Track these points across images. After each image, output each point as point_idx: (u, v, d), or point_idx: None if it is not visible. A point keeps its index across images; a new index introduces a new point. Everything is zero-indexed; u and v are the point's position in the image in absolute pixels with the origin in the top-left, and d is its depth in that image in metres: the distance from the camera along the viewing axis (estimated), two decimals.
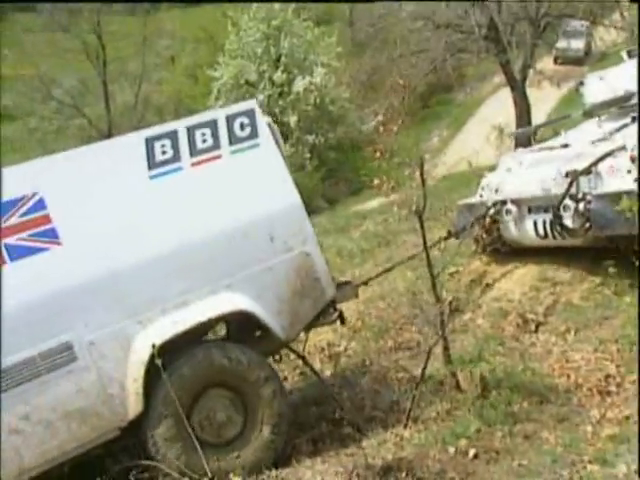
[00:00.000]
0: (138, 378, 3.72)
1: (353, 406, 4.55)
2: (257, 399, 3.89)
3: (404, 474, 3.40)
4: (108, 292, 3.74)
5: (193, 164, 4.03)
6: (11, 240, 3.68)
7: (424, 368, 4.18)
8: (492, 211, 5.95)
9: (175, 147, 4.03)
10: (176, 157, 4.02)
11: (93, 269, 3.73)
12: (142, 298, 3.78)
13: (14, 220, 3.71)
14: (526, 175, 5.96)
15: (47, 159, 4.09)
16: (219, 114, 4.19)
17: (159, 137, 4.03)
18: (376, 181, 4.43)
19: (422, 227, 4.44)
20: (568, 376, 4.64)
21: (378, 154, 4.46)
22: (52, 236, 3.74)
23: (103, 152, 4.13)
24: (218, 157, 4.08)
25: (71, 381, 3.62)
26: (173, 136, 4.05)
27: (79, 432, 3.62)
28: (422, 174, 4.34)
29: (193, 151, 4.04)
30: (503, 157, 6.92)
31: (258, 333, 4.18)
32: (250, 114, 4.22)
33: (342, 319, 4.53)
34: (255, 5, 19.84)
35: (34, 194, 3.75)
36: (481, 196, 6.16)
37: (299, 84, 19.54)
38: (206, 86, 21.26)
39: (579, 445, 3.67)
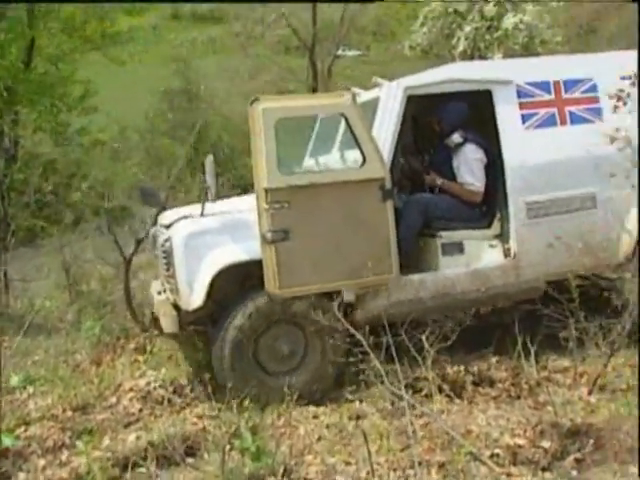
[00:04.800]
0: (630, 232, 4.92)
1: None
2: None
3: (592, 441, 3.22)
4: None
5: None
6: (572, 108, 5.03)
7: (621, 339, 3.92)
8: None
9: None
10: None
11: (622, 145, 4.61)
12: None
13: (577, 95, 5.07)
14: None
15: (600, 55, 5.40)
16: None
17: None
18: None
19: None
20: None
21: None
22: (598, 114, 5.07)
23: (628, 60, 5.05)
24: None
25: (589, 222, 4.90)
26: None
27: (584, 259, 4.67)
28: None
29: None
30: None
31: None
32: None
33: None
34: None
35: (590, 79, 5.07)
36: None
37: (509, 21, 18.53)
38: (413, 10, 20.69)
39: None
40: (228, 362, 4.48)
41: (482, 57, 18.19)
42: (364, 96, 5.33)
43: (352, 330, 4.11)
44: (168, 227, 4.86)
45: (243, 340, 4.47)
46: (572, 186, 4.95)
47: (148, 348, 5.46)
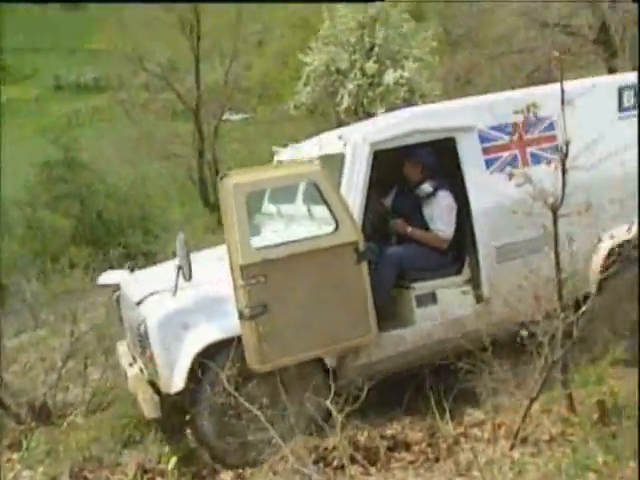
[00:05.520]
0: (597, 266, 4.99)
1: None
2: None
3: None
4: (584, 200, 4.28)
5: None
6: (533, 149, 5.01)
7: (543, 383, 3.71)
8: None
9: (636, 97, 5.34)
10: (635, 105, 5.35)
11: (576, 178, 4.17)
12: (607, 212, 4.64)
13: (536, 134, 5.00)
14: None
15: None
16: None
17: (627, 88, 5.36)
18: None
19: None
20: None
21: None
22: (557, 151, 4.46)
23: (592, 93, 5.00)
24: None
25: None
26: (635, 88, 5.35)
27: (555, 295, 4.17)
28: None
29: None
30: None
31: None
32: None
33: None
34: None
35: (549, 117, 4.85)
36: None
37: (390, 76, 19.05)
38: (296, 71, 20.97)
39: None
40: (209, 424, 4.34)
41: (366, 112, 18.56)
42: (324, 149, 5.17)
43: (248, 405, 3.76)
44: (138, 303, 4.66)
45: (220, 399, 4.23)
46: (538, 226, 4.75)
47: (25, 443, 4.83)
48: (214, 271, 4.61)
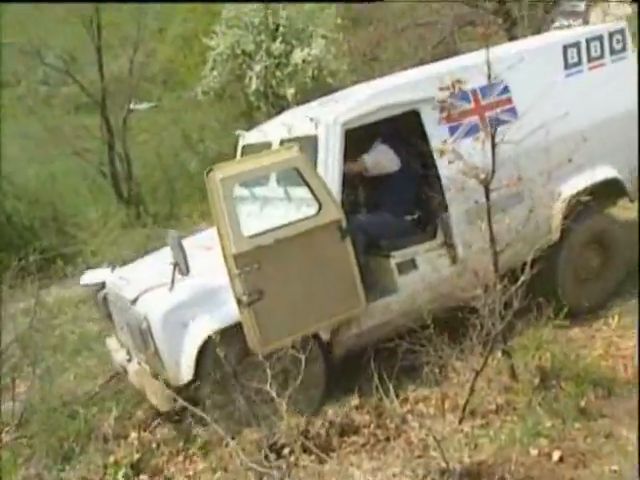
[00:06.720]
0: (559, 214, 5.40)
1: None
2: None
3: None
4: (545, 156, 5.02)
5: (590, 68, 5.77)
6: (491, 113, 5.09)
7: (487, 357, 3.76)
8: None
9: (579, 54, 5.71)
10: (580, 62, 5.73)
11: (537, 138, 4.89)
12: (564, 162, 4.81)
13: (493, 99, 5.16)
14: None
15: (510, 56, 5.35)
16: (604, 30, 5.84)
17: (570, 45, 5.70)
18: None
19: None
20: (625, 367, 4.28)
21: None
22: (513, 113, 5.31)
23: (539, 54, 5.67)
24: (603, 64, 5.81)
25: (520, 215, 4.77)
26: (578, 46, 5.71)
27: (524, 248, 4.55)
28: None
29: (589, 58, 5.75)
30: None
31: None
32: (622, 33, 5.86)
33: None
34: None
35: (502, 81, 5.05)
36: None
37: (297, 55, 18.91)
38: (201, 56, 20.51)
39: None
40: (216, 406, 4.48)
41: (275, 94, 18.41)
42: (294, 131, 5.27)
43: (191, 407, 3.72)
44: (133, 301, 4.78)
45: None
46: (501, 186, 4.91)
47: None
48: (204, 261, 4.77)
